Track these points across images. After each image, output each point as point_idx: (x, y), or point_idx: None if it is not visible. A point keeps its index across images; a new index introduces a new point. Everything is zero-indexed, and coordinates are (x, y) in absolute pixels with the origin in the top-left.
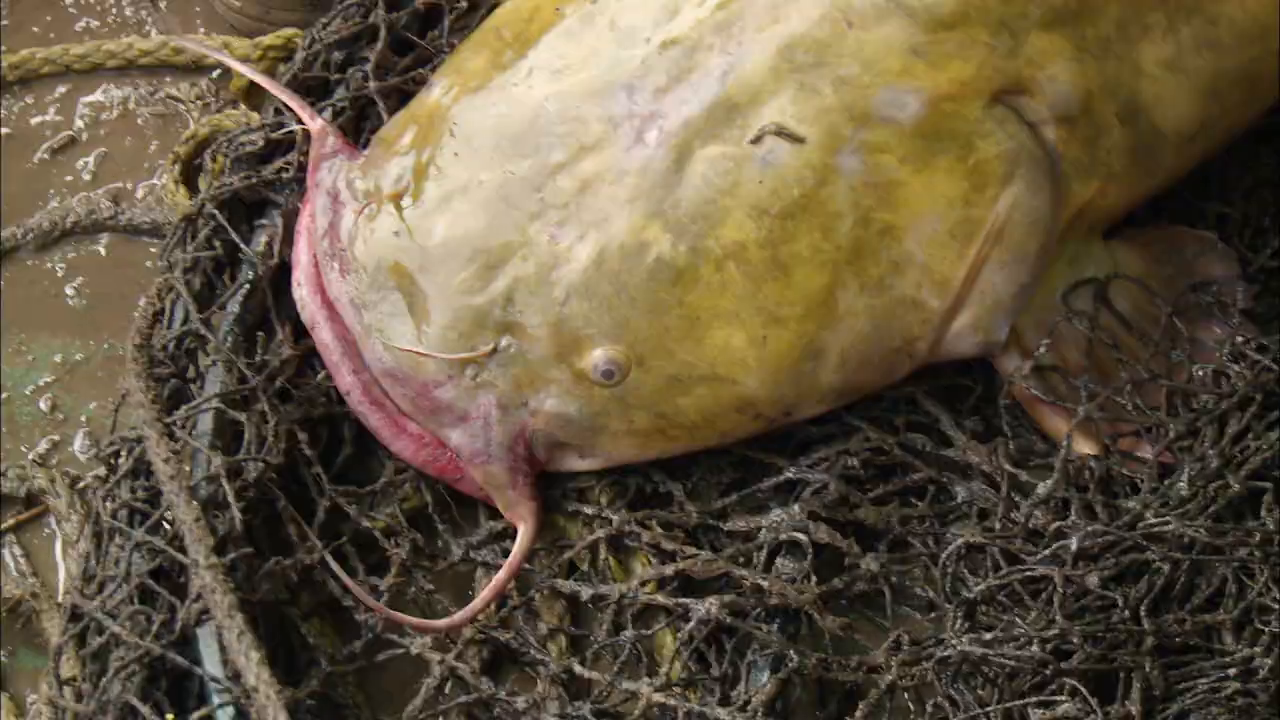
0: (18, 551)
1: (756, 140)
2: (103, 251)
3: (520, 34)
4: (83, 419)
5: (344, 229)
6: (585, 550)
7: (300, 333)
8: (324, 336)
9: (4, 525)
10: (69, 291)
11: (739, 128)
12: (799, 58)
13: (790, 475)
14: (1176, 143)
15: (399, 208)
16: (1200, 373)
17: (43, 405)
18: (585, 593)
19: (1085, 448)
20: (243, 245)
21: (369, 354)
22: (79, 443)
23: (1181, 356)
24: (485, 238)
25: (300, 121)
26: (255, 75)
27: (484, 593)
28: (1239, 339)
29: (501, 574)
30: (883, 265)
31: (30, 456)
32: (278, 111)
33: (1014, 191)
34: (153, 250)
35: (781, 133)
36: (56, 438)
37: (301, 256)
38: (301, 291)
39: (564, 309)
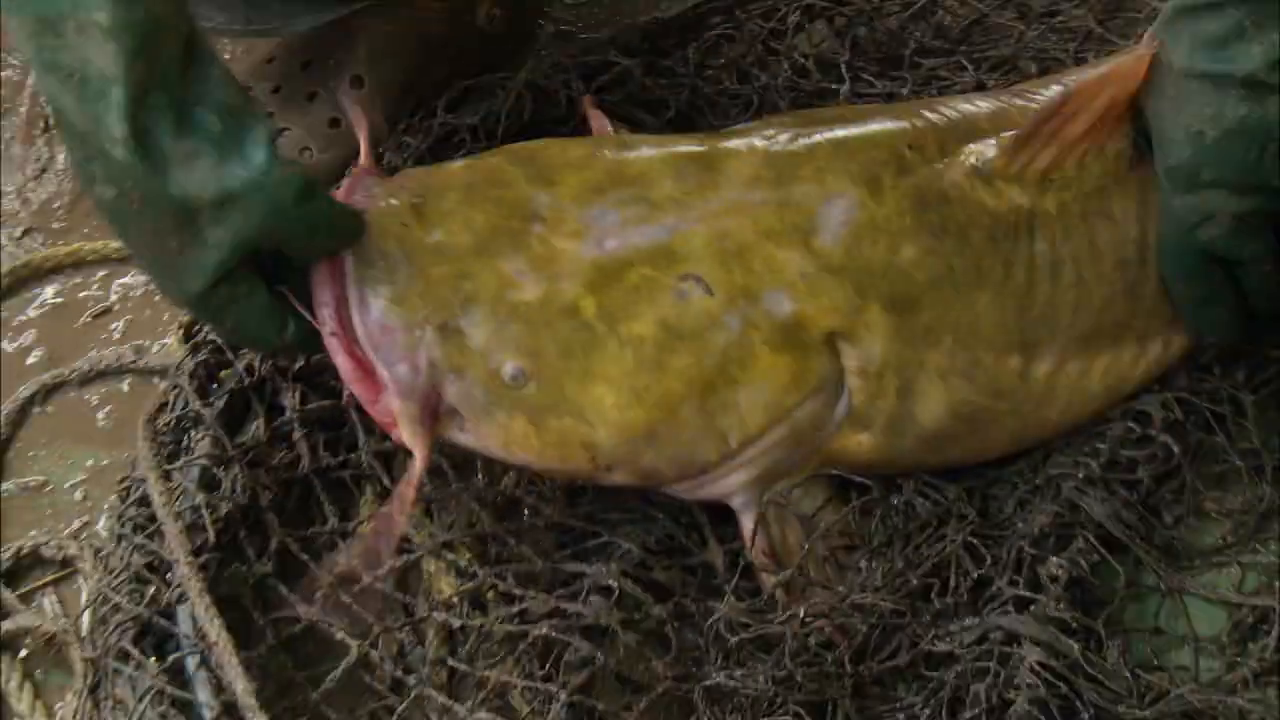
0: (54, 599)
1: (683, 278)
2: (125, 388)
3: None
4: (105, 506)
5: (361, 201)
6: (456, 595)
7: (269, 421)
8: (324, 297)
9: (45, 581)
10: (99, 416)
11: (671, 267)
12: (728, 245)
13: (606, 539)
14: (917, 438)
15: (411, 209)
16: (896, 500)
17: (77, 495)
18: (455, 623)
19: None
20: (232, 356)
21: (354, 297)
22: (102, 523)
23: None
24: (466, 256)
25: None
26: None
27: (395, 501)
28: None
29: (401, 486)
30: (718, 400)
31: (66, 532)
32: None
33: (814, 397)
34: (161, 388)
35: (700, 282)
36: (86, 519)
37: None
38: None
39: (503, 322)
